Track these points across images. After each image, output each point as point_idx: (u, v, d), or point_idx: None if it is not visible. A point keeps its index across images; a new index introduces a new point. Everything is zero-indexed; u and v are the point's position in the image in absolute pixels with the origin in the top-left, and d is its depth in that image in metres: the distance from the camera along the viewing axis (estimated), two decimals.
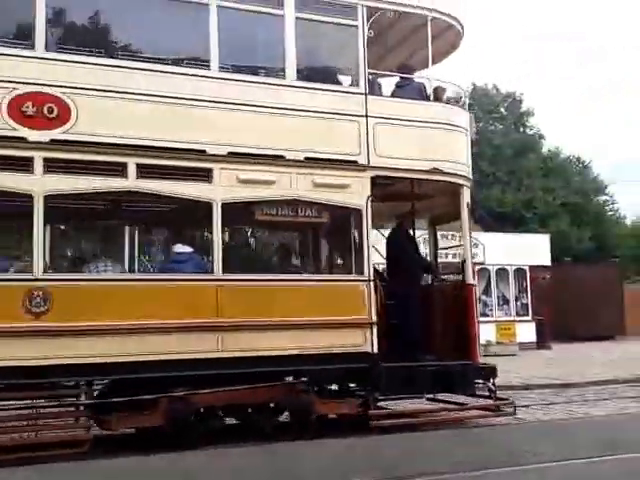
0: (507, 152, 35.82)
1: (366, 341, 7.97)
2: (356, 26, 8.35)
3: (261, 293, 7.65)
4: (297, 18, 8.05)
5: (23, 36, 7.10)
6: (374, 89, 8.53)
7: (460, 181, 8.89)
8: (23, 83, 6.90)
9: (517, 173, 35.60)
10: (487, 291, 21.81)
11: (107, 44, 7.49)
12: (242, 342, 7.42)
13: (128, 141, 7.17)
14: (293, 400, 7.76)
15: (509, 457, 6.51)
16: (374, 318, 8.01)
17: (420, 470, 5.95)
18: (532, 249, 22.54)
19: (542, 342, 21.66)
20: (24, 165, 6.86)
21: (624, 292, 25.78)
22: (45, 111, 6.91)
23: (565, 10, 70.83)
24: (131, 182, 7.21)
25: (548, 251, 23.35)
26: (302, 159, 7.89)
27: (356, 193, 8.11)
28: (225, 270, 7.47)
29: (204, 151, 7.49)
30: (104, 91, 7.16)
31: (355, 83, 8.38)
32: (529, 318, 22.17)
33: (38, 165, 6.86)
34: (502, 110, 38.87)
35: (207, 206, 7.49)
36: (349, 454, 7.02)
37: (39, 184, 6.86)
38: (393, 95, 8.81)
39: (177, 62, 7.67)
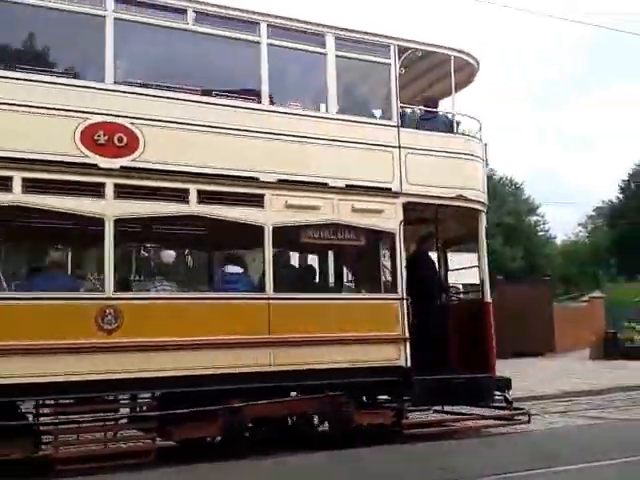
0: None
1: (400, 356, 8.59)
2: (389, 64, 9.05)
3: (307, 310, 8.21)
4: (337, 56, 8.71)
5: (94, 69, 7.56)
6: (405, 121, 9.22)
7: (479, 207, 9.63)
8: (95, 113, 7.36)
9: None
10: None
11: (171, 79, 7.98)
12: (291, 357, 7.96)
13: (190, 169, 7.68)
14: (335, 411, 8.31)
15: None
16: (407, 334, 8.65)
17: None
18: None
19: None
20: (96, 190, 7.30)
21: (553, 310, 26.20)
22: (115, 140, 7.39)
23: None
24: (193, 207, 7.73)
25: None
26: (343, 186, 8.52)
27: (390, 218, 8.77)
28: (275, 289, 8.01)
29: (257, 178, 8.05)
30: (168, 122, 7.67)
31: (388, 116, 9.05)
32: None
33: (109, 190, 7.32)
34: None
35: (259, 229, 8.03)
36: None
37: (110, 208, 7.31)
38: (419, 127, 9.51)
39: (232, 96, 8.21)
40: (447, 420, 9.54)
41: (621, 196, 47.15)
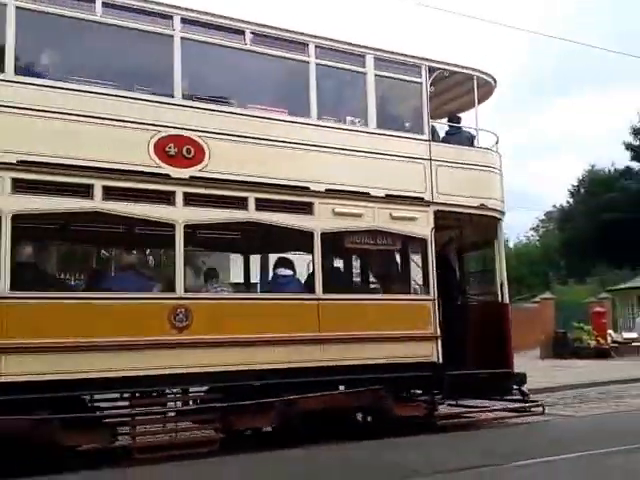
0: None
1: (433, 352, 9.33)
2: (421, 82, 9.81)
3: (352, 310, 8.90)
4: (376, 75, 9.43)
5: (164, 85, 8.13)
6: (434, 136, 9.99)
7: (498, 215, 10.46)
8: (166, 127, 7.94)
9: None
10: None
11: (233, 95, 8.59)
12: (338, 353, 8.62)
13: (249, 179, 8.31)
14: (377, 404, 8.99)
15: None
16: (439, 332, 9.40)
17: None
18: None
19: None
20: (167, 198, 7.88)
21: None
22: (184, 152, 7.98)
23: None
24: (251, 214, 8.35)
25: None
26: (383, 196, 9.24)
27: (423, 225, 9.52)
28: (324, 290, 8.68)
29: (308, 188, 8.71)
30: (229, 135, 8.29)
31: (420, 131, 9.80)
32: None
33: (179, 198, 7.90)
34: None
35: (309, 235, 8.69)
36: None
37: (180, 215, 7.89)
38: (444, 141, 10.29)
39: (283, 111, 8.88)
40: (471, 412, 10.29)
41: (571, 200, 48.25)
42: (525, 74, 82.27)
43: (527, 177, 79.00)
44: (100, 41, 7.99)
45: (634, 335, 26.26)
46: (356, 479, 6.90)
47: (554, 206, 52.01)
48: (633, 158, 44.77)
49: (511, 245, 50.91)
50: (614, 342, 25.56)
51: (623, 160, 46.35)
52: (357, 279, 10.10)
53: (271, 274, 9.12)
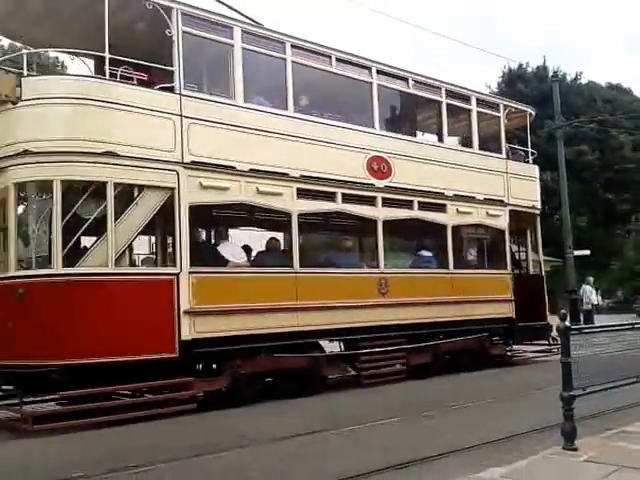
0: None
1: (510, 310, 13.26)
2: (499, 116, 13.61)
3: (471, 280, 12.59)
4: (478, 112, 13.10)
5: (367, 119, 11.25)
6: (508, 155, 13.86)
7: (537, 212, 14.55)
8: (371, 150, 11.11)
9: None
10: None
11: (407, 125, 11.93)
12: (463, 310, 12.26)
13: (415, 187, 11.69)
14: (482, 345, 12.78)
15: None
16: (513, 297, 13.33)
17: None
18: None
19: None
20: (372, 201, 11.08)
21: None
22: (382, 168, 11.20)
23: None
24: (416, 212, 11.74)
25: None
26: (482, 199, 12.97)
27: (503, 220, 13.37)
28: (454, 267, 12.29)
29: (443, 193, 12.24)
30: (407, 156, 11.61)
31: (500, 151, 13.60)
32: None
33: (379, 202, 11.14)
34: None
35: (443, 227, 12.24)
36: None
37: (379, 213, 11.14)
38: (510, 158, 14.17)
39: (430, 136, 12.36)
40: (520, 353, 14.38)
41: None
42: None
43: None
44: (328, 84, 10.99)
45: None
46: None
47: None
48: None
49: None
50: None
51: None
52: (471, 258, 13.73)
53: (415, 256, 12.55)
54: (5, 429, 8.00)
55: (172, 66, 8.89)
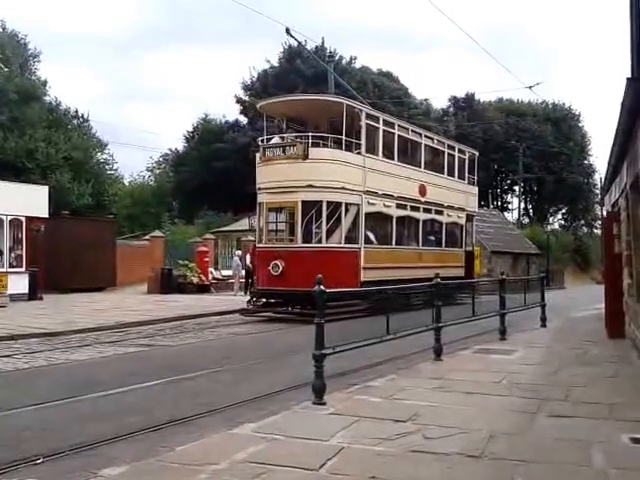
0: (11, 97, 33.24)
1: (462, 272, 23.09)
2: (465, 158, 23.27)
3: (448, 253, 22.15)
4: (457, 155, 22.63)
5: (418, 162, 20.26)
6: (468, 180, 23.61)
7: (475, 214, 24.56)
8: (419, 180, 20.15)
9: (20, 120, 33.68)
10: None
11: (434, 166, 21.21)
12: (450, 271, 21.81)
13: (434, 201, 20.96)
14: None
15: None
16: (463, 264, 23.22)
17: None
18: (30, 200, 21.85)
19: (34, 294, 21.31)
20: (418, 210, 20.21)
21: (116, 248, 27.20)
22: (423, 191, 20.30)
23: None
24: (432, 215, 21.04)
25: (46, 203, 22.68)
26: (456, 207, 22.67)
27: (463, 220, 23.18)
28: (444, 246, 21.83)
29: (442, 204, 21.67)
30: (432, 183, 20.83)
31: (463, 178, 23.25)
32: (23, 269, 21.56)
33: (421, 210, 20.33)
34: (8, 52, 35.16)
35: (441, 224, 21.73)
36: None
37: (421, 216, 20.34)
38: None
39: None
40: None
41: (186, 146, 49.13)
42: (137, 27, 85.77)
43: (146, 119, 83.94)
44: (405, 144, 19.85)
45: (230, 273, 27.92)
46: None
47: (170, 149, 54.19)
48: (242, 112, 47.48)
49: (126, 183, 51.45)
50: (214, 279, 27.56)
51: (234, 113, 50.72)
52: (450, 242, 23.05)
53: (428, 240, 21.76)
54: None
55: (360, 140, 17.32)
